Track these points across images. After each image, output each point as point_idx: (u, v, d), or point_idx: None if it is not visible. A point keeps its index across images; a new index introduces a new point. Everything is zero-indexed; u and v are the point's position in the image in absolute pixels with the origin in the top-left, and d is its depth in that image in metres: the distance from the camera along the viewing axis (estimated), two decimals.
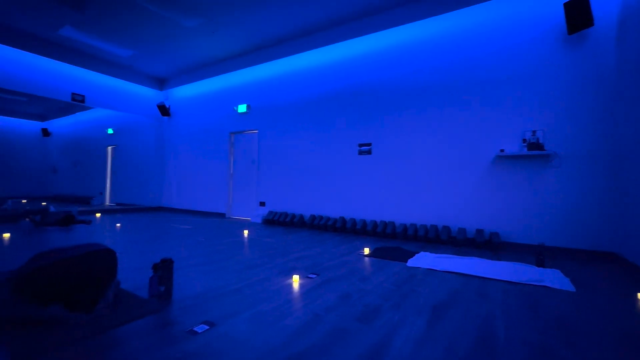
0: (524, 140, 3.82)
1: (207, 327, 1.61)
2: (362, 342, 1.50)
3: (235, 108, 6.92)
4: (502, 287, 2.40)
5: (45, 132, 12.21)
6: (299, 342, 1.48)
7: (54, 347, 1.38)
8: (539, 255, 3.03)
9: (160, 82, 8.56)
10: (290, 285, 2.32)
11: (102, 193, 10.10)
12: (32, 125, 12.39)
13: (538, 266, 3.01)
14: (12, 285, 1.65)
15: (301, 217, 5.66)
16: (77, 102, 6.93)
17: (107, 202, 9.94)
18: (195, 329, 1.59)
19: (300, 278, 2.49)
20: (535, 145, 3.65)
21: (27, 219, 5.06)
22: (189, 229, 5.11)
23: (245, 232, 4.82)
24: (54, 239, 4.01)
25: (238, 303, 1.96)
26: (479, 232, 3.97)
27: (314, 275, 2.59)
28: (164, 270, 2.00)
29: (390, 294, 2.19)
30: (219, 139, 7.26)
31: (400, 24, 4.76)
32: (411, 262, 3.08)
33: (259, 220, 6.18)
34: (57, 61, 6.51)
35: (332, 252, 3.53)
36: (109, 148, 10.08)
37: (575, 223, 3.53)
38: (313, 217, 5.50)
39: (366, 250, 3.55)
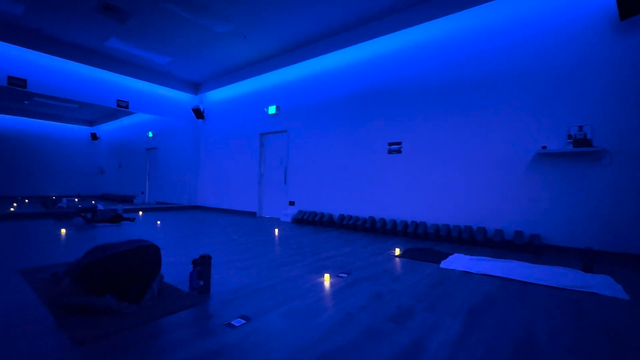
0: (569, 136, 3.57)
1: (244, 322, 1.68)
2: (396, 342, 1.49)
3: (265, 109, 7.09)
4: (545, 292, 2.26)
5: (94, 136, 13.25)
6: (332, 340, 1.50)
7: (109, 333, 1.51)
8: (587, 259, 2.82)
9: (195, 87, 8.98)
10: (321, 284, 2.35)
11: (144, 192, 10.78)
12: (82, 130, 13.50)
13: (585, 271, 2.80)
14: (72, 276, 1.83)
15: (330, 216, 5.69)
16: (122, 108, 7.46)
17: (147, 201, 10.59)
18: (233, 322, 1.67)
19: (331, 277, 2.52)
20: (582, 142, 3.40)
21: (79, 216, 5.54)
22: (233, 232, 5.31)
23: (276, 231, 4.93)
24: (104, 234, 4.35)
25: (272, 299, 2.03)
26: (518, 233, 3.77)
27: (345, 275, 2.60)
28: (202, 265, 2.11)
29: (423, 295, 2.15)
30: (250, 140, 7.48)
31: (430, 18, 4.63)
32: (444, 264, 2.99)
33: (288, 219, 6.29)
34: (104, 70, 7.06)
35: (362, 252, 3.52)
36: (149, 150, 10.74)
37: (628, 225, 3.24)
38: (342, 217, 5.50)
39: (397, 251, 3.50)
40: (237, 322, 1.68)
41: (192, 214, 7.33)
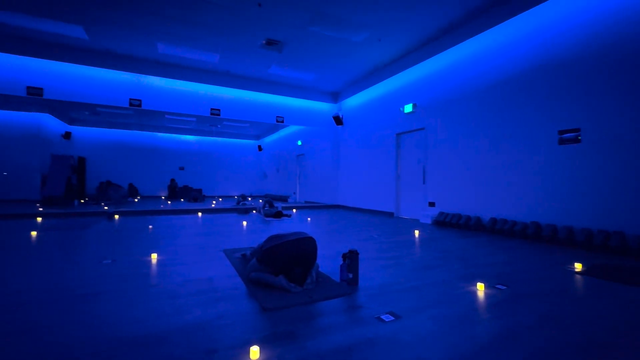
0: None
1: (393, 318, 1.73)
2: None
3: (401, 109, 7.01)
4: None
5: (259, 148, 16.45)
6: (493, 357, 1.36)
7: (285, 306, 1.87)
8: None
9: (334, 96, 9.80)
10: (474, 293, 2.14)
11: (295, 193, 12.57)
12: (251, 144, 17.02)
13: None
14: (257, 257, 2.35)
15: (478, 219, 5.06)
16: (279, 123, 8.97)
17: (298, 200, 12.29)
18: (382, 317, 1.75)
19: (486, 287, 2.25)
20: None
21: (254, 212, 7.00)
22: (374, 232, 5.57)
23: (416, 232, 4.79)
24: (271, 226, 5.35)
25: (419, 300, 2.00)
26: None
27: (503, 287, 2.27)
28: (351, 259, 2.29)
29: (628, 329, 1.64)
30: (385, 141, 7.56)
31: None
32: None
33: (428, 220, 5.99)
34: (266, 93, 8.69)
35: (523, 263, 2.98)
36: (299, 156, 12.44)
37: None
38: (494, 221, 4.80)
39: (578, 266, 2.78)
40: (386, 317, 1.74)
41: (334, 212, 8.02)
